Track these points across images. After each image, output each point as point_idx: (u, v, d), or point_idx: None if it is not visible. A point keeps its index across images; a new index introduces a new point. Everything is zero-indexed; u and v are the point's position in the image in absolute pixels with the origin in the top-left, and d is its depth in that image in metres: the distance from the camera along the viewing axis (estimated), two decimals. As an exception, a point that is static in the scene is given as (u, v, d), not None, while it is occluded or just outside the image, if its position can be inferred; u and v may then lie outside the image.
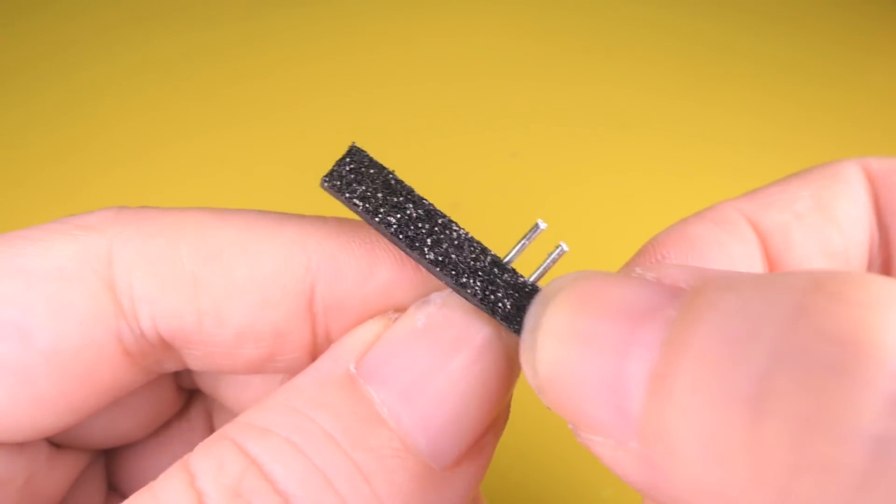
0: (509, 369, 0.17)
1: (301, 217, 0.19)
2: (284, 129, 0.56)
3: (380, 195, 0.17)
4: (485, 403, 0.16)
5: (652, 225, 0.50)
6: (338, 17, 0.65)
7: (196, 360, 0.19)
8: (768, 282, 0.13)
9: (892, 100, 0.60)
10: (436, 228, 0.17)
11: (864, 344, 0.11)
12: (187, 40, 0.62)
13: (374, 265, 0.18)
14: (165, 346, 0.18)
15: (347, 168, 0.18)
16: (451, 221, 0.17)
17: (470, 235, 0.17)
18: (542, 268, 0.18)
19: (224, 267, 0.17)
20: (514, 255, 0.18)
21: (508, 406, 0.18)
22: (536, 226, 0.18)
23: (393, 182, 0.18)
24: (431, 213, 0.17)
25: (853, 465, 0.11)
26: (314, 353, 0.18)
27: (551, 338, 0.15)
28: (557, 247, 0.18)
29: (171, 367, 0.20)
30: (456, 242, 0.17)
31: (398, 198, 0.17)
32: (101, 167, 0.52)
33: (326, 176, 0.18)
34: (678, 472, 0.13)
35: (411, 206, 0.17)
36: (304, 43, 0.62)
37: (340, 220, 0.19)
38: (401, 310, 0.17)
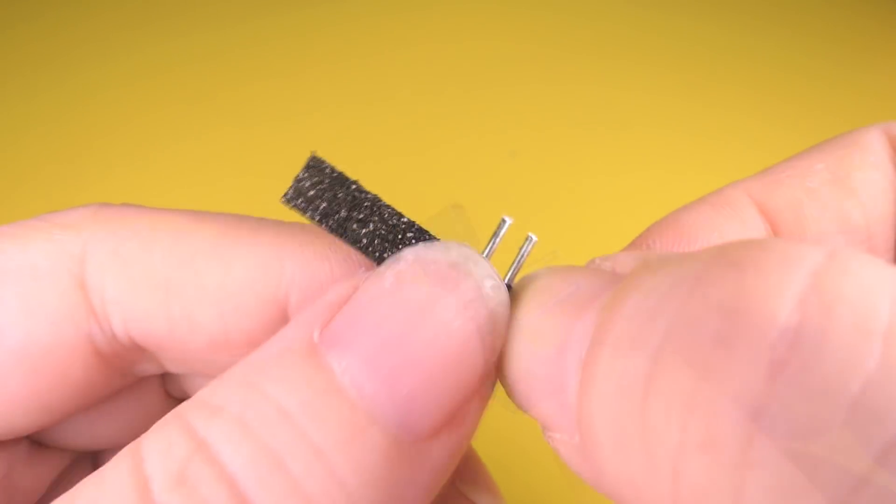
0: (493, 329, 0.15)
1: (278, 224, 0.19)
2: (283, 130, 0.56)
3: (343, 212, 0.16)
4: (464, 368, 0.15)
5: (651, 223, 0.50)
6: (338, 18, 0.65)
7: (173, 364, 0.19)
8: (684, 258, 0.12)
9: (893, 99, 0.60)
10: (401, 242, 0.17)
11: (748, 312, 0.10)
12: (186, 43, 0.62)
13: (350, 275, 0.17)
14: (139, 348, 0.18)
15: (308, 182, 0.17)
16: (419, 232, 0.17)
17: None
18: (515, 263, 0.18)
19: (196, 273, 0.17)
20: (487, 254, 0.18)
21: (495, 369, 0.16)
22: (503, 221, 0.18)
23: (357, 194, 0.17)
24: (396, 227, 0.17)
25: (732, 441, 0.10)
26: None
27: (513, 335, 0.15)
28: (527, 238, 0.17)
29: (150, 369, 0.19)
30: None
31: (362, 213, 0.17)
32: (100, 168, 0.52)
33: (286, 193, 0.17)
34: (601, 463, 0.12)
35: (376, 219, 0.17)
36: (303, 45, 0.62)
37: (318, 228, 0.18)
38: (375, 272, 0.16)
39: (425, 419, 0.14)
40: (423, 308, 0.15)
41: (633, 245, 0.20)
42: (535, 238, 0.17)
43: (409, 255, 0.16)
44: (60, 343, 0.17)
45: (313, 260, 0.18)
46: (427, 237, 0.17)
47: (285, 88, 0.59)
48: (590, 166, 0.54)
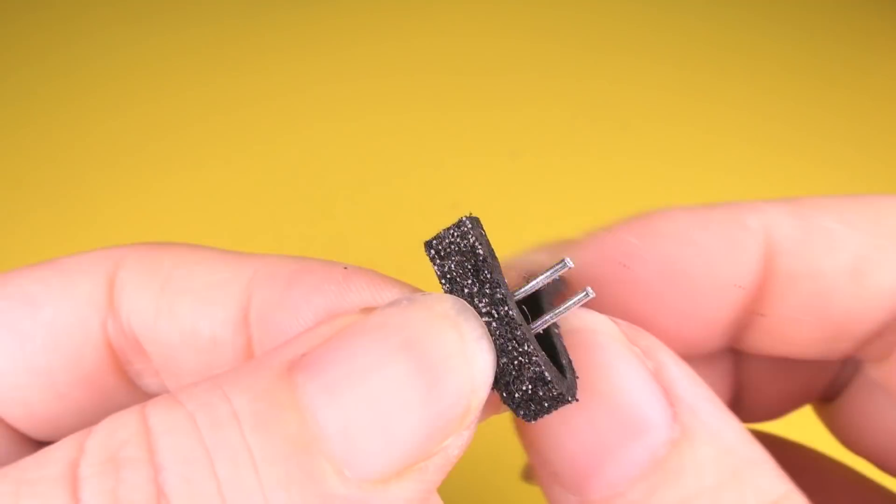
0: (470, 390, 0.15)
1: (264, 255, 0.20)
2: (282, 130, 0.56)
3: (468, 281, 0.16)
4: (429, 422, 0.14)
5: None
6: (337, 16, 0.65)
7: (162, 365, 0.20)
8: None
9: (893, 98, 0.60)
10: (502, 330, 0.16)
11: None
12: (185, 43, 0.61)
13: (311, 294, 0.18)
14: (138, 346, 0.19)
15: (450, 241, 0.17)
16: (524, 335, 0.17)
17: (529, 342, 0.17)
18: (536, 281, 0.17)
19: (189, 270, 0.19)
20: (530, 289, 0.18)
21: (470, 434, 0.16)
22: (563, 263, 0.17)
23: (486, 275, 0.16)
24: (504, 319, 0.16)
25: None
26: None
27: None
28: (583, 291, 0.17)
29: (148, 381, 0.20)
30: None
31: (481, 300, 0.16)
32: (98, 165, 0.52)
33: (432, 239, 0.17)
34: None
35: (486, 304, 0.16)
36: (302, 44, 0.62)
37: (291, 259, 0.19)
38: (370, 309, 0.16)
39: (374, 461, 0.14)
40: (396, 352, 0.14)
41: (613, 232, 0.21)
42: (592, 293, 0.17)
43: (404, 300, 0.16)
44: (81, 324, 0.19)
45: (278, 268, 0.19)
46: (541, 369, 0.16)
47: (283, 88, 0.58)
48: (590, 166, 0.54)
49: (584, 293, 0.17)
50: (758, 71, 0.62)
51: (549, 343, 0.18)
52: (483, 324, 0.16)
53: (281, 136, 0.55)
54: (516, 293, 0.17)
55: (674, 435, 0.16)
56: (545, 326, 0.17)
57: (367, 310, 0.16)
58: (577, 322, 0.18)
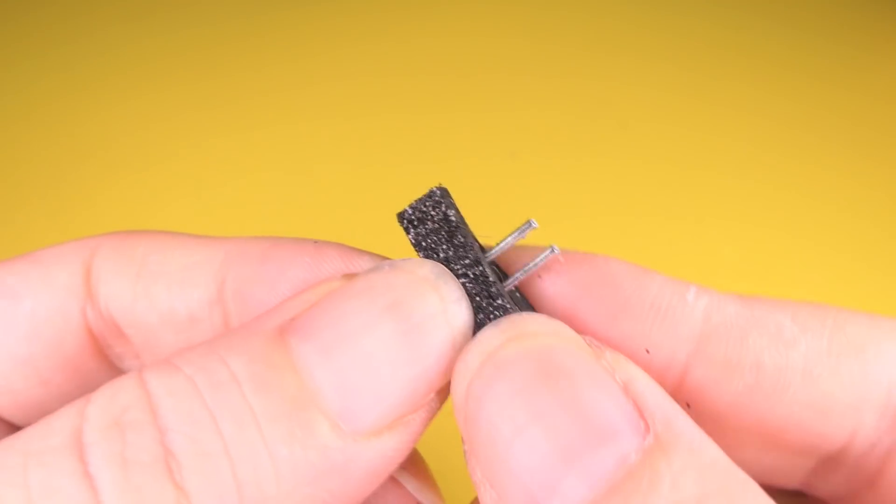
0: (449, 348, 0.16)
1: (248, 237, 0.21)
2: (280, 131, 0.56)
3: (443, 247, 0.18)
4: (415, 378, 0.16)
5: (652, 224, 0.50)
6: (338, 16, 0.64)
7: (142, 346, 0.20)
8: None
9: (894, 98, 0.60)
10: (480, 289, 0.18)
11: None
12: (184, 41, 0.61)
13: (285, 267, 0.19)
14: (117, 329, 0.20)
15: (423, 213, 0.18)
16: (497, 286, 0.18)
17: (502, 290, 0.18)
18: (504, 242, 0.18)
19: (163, 255, 0.20)
20: (499, 251, 0.18)
21: (448, 388, 0.17)
22: (528, 223, 0.18)
23: (460, 240, 0.18)
24: (479, 279, 0.17)
25: None
26: None
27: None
28: (549, 248, 0.18)
29: (128, 360, 0.21)
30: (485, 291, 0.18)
31: (456, 263, 0.18)
32: (97, 164, 0.52)
33: (403, 210, 0.18)
34: None
35: (462, 266, 0.18)
36: (302, 43, 0.62)
37: (262, 238, 0.20)
38: (352, 275, 0.17)
39: (366, 415, 0.15)
40: (383, 313, 0.15)
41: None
42: (535, 224, 0.18)
43: (385, 265, 0.17)
44: (61, 313, 0.19)
45: (250, 248, 0.20)
46: (510, 308, 0.17)
47: (282, 88, 0.58)
48: (590, 166, 0.54)
49: (550, 250, 0.18)
50: (757, 71, 0.62)
51: (527, 308, 0.19)
52: (460, 286, 0.17)
53: (278, 136, 0.55)
54: (488, 254, 0.18)
55: (647, 443, 0.14)
56: (516, 283, 0.18)
57: (349, 276, 0.17)
58: (535, 326, 0.16)
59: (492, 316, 0.17)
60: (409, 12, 0.65)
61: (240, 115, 0.56)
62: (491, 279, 0.17)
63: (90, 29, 0.62)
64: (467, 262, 0.17)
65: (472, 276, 0.17)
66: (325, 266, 0.19)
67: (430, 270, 0.17)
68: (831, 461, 0.18)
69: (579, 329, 0.17)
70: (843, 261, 0.49)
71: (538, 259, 0.18)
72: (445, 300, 0.16)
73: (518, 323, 0.16)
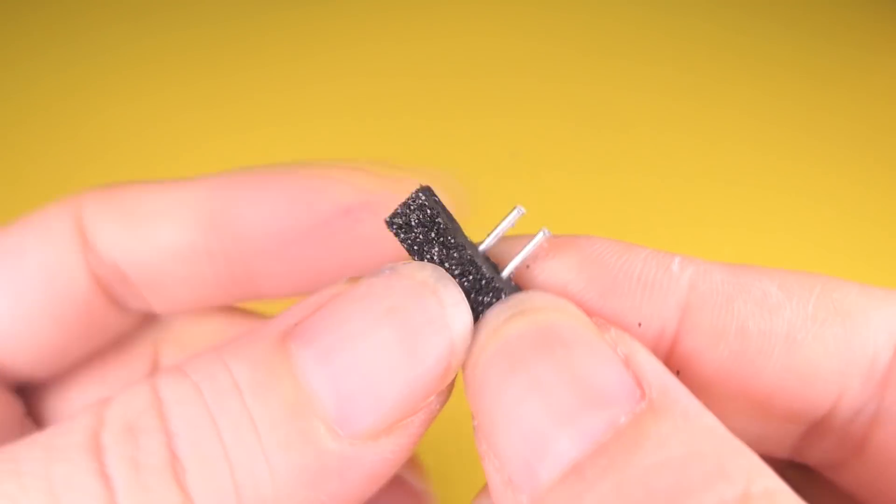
0: (448, 352, 0.16)
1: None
2: (280, 131, 0.56)
3: (435, 249, 0.18)
4: (413, 382, 0.16)
5: (652, 224, 0.50)
6: (338, 16, 0.64)
7: (149, 291, 0.22)
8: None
9: (894, 99, 0.60)
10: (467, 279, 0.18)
11: None
12: (183, 41, 0.61)
13: (266, 189, 0.20)
14: (123, 275, 0.21)
15: (410, 214, 0.18)
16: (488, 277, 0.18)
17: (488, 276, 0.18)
18: (494, 232, 0.18)
19: (145, 199, 0.21)
20: (491, 241, 0.19)
21: (449, 390, 0.17)
22: (517, 210, 0.19)
23: (451, 240, 0.18)
24: (477, 275, 0.18)
25: None
26: (224, 266, 0.21)
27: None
28: (540, 231, 0.18)
29: (135, 304, 0.23)
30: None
31: (451, 263, 0.18)
32: (95, 161, 0.52)
33: (390, 214, 0.18)
34: None
35: (457, 265, 0.18)
36: (302, 43, 0.62)
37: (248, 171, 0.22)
38: (356, 279, 0.17)
39: (363, 419, 0.15)
40: (382, 318, 0.16)
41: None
42: (523, 210, 0.18)
43: (386, 269, 0.17)
44: (66, 262, 0.21)
45: (228, 178, 0.21)
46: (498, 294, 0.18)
47: (282, 88, 0.58)
48: (590, 166, 0.54)
49: (542, 233, 0.18)
50: (757, 72, 0.62)
51: None
52: (460, 289, 0.17)
53: (278, 136, 0.55)
54: (480, 245, 0.19)
55: (639, 408, 0.14)
56: (513, 270, 0.18)
57: (354, 279, 0.17)
58: (540, 302, 0.17)
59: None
60: (409, 13, 0.65)
61: (240, 115, 0.56)
62: (488, 274, 0.17)
63: (89, 28, 0.62)
64: (461, 259, 0.17)
65: (468, 273, 0.17)
66: (298, 184, 0.20)
67: (430, 275, 0.17)
68: (819, 428, 0.18)
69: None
70: (843, 261, 0.49)
71: (531, 245, 0.18)
72: (444, 304, 0.16)
73: (523, 300, 0.17)
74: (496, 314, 0.17)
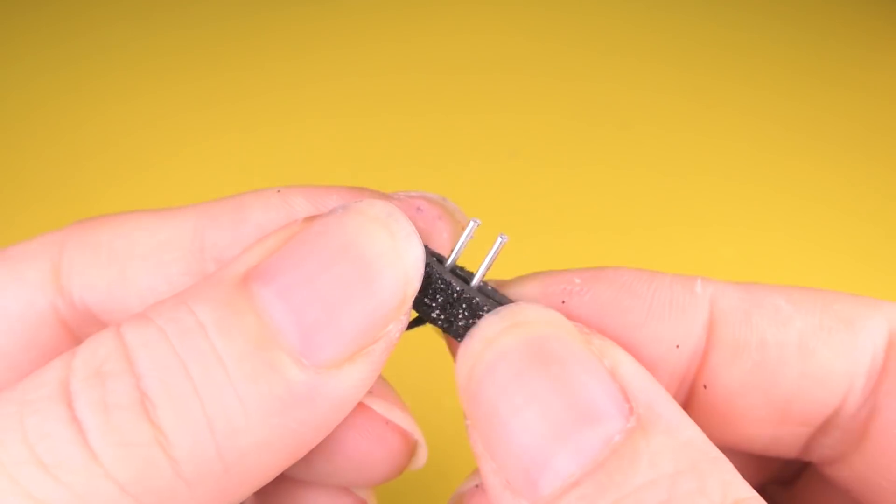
0: (404, 280, 0.17)
1: (211, 202, 0.22)
2: (279, 130, 0.56)
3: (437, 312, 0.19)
4: (370, 312, 0.17)
5: (652, 224, 0.50)
6: (337, 15, 0.64)
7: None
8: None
9: (894, 98, 0.60)
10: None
11: None
12: (183, 40, 0.61)
13: (260, 226, 0.20)
14: (94, 317, 0.21)
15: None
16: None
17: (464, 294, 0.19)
18: (457, 247, 0.19)
19: (131, 239, 0.21)
20: (455, 256, 0.20)
21: (406, 319, 0.18)
22: (472, 222, 0.19)
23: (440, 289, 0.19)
24: (448, 291, 0.19)
25: None
26: None
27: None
28: (498, 238, 0.19)
29: None
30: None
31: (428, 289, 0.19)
32: (96, 161, 0.52)
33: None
34: None
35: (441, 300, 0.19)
36: (301, 42, 0.62)
37: (227, 200, 0.21)
38: (311, 218, 0.18)
39: (326, 349, 0.16)
40: (336, 254, 0.17)
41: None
42: (506, 238, 0.19)
43: (339, 208, 0.18)
44: (32, 308, 0.21)
45: (221, 214, 0.21)
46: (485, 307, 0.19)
47: (282, 88, 0.58)
48: (590, 166, 0.54)
49: (500, 238, 0.19)
50: (757, 71, 0.62)
51: (500, 297, 0.20)
52: (410, 223, 0.18)
53: (278, 135, 0.55)
54: (447, 264, 0.20)
55: (630, 425, 0.16)
56: (481, 278, 0.19)
57: (309, 219, 0.18)
58: (532, 315, 0.18)
59: (472, 320, 0.18)
60: (408, 12, 0.65)
61: (240, 114, 0.56)
62: (458, 287, 0.19)
63: (89, 27, 0.62)
64: (430, 275, 0.19)
65: (440, 290, 0.19)
66: (296, 211, 0.20)
67: (382, 209, 0.18)
68: (825, 426, 0.20)
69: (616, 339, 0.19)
70: (843, 261, 0.49)
71: (493, 251, 0.19)
72: (396, 237, 0.17)
73: (516, 312, 0.18)
74: (490, 324, 0.18)
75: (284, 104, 0.57)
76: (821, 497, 0.22)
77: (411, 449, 0.22)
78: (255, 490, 0.17)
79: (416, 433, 0.22)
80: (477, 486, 0.21)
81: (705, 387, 0.20)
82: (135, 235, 0.21)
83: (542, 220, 0.49)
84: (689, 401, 0.20)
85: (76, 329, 0.21)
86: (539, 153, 0.55)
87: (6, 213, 0.49)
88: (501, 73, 0.60)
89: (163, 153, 0.53)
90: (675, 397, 0.20)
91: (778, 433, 0.20)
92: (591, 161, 0.55)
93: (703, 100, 0.59)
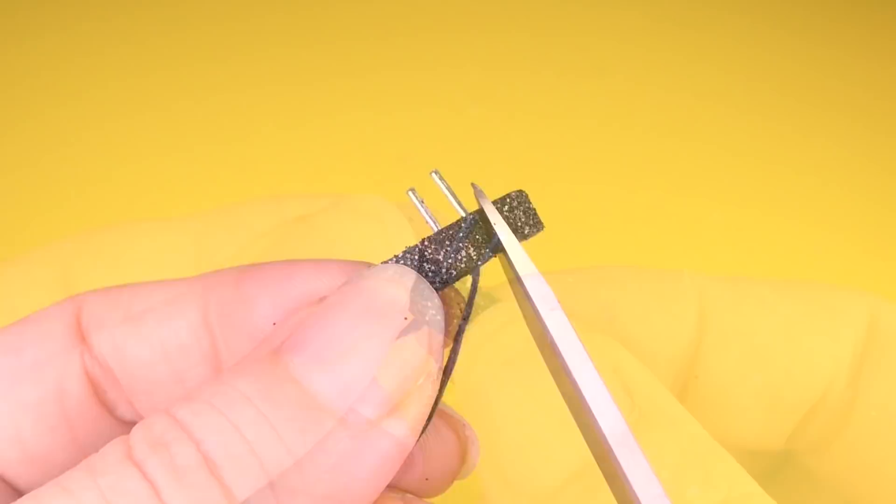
0: (432, 339, 0.18)
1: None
2: (279, 130, 0.56)
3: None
4: (400, 366, 0.18)
5: (652, 225, 0.50)
6: (336, 15, 0.64)
7: (136, 394, 0.22)
8: None
9: (894, 98, 0.60)
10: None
11: None
12: (183, 40, 0.62)
13: (261, 287, 0.21)
14: (111, 373, 0.22)
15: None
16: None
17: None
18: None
19: (147, 298, 0.22)
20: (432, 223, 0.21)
21: (439, 371, 0.19)
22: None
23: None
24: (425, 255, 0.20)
25: None
26: (218, 366, 0.22)
27: None
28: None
29: (123, 411, 0.23)
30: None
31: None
32: (94, 161, 0.52)
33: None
34: None
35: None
36: (301, 42, 0.62)
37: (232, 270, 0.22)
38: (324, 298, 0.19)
39: (365, 407, 0.18)
40: (360, 316, 0.18)
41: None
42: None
43: (354, 277, 0.19)
44: (61, 360, 0.21)
45: (223, 276, 0.22)
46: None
47: (281, 86, 0.58)
48: (591, 166, 0.54)
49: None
50: (759, 71, 0.62)
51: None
52: (422, 278, 0.19)
53: (278, 136, 0.55)
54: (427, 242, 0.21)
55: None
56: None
57: (322, 299, 0.19)
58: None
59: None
60: (408, 11, 0.65)
61: (240, 114, 0.56)
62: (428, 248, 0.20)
63: (90, 28, 0.62)
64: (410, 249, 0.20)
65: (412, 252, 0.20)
66: (298, 278, 0.21)
67: (395, 271, 0.19)
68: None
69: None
70: (843, 260, 0.49)
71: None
72: (410, 291, 0.19)
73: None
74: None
75: (284, 103, 0.57)
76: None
77: (464, 447, 0.23)
78: None
79: (468, 427, 0.23)
80: None
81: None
82: (151, 294, 0.22)
83: (544, 219, 0.49)
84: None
85: (97, 385, 0.22)
86: (539, 152, 0.55)
87: (7, 214, 0.49)
88: (502, 72, 0.60)
89: (163, 153, 0.53)
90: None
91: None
92: (591, 161, 0.55)
93: (704, 100, 0.59)
